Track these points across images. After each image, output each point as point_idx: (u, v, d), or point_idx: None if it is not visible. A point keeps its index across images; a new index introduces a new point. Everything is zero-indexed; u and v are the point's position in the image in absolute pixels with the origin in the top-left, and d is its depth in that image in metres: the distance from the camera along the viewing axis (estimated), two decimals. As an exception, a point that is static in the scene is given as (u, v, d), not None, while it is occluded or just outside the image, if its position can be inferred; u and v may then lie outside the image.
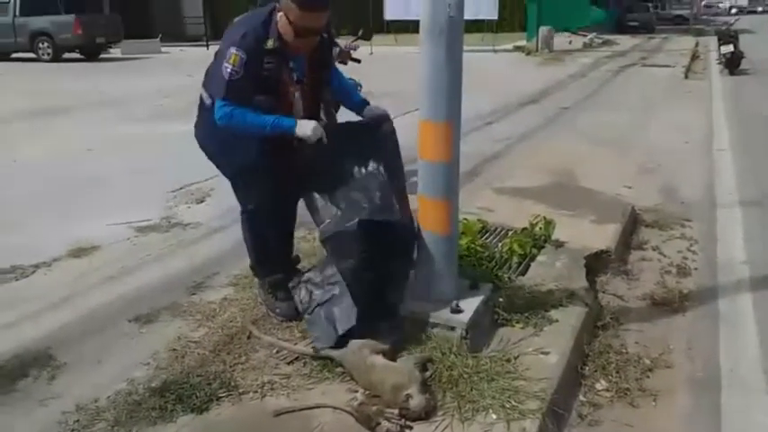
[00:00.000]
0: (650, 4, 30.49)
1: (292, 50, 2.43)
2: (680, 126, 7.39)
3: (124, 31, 18.56)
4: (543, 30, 17.43)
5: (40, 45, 16.87)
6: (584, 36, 20.64)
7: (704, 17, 39.17)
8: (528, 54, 17.09)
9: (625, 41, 21.32)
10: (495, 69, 13.67)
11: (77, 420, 2.09)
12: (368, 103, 2.72)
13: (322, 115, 4.39)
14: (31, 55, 16.87)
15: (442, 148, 2.36)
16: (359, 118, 2.70)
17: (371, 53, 14.96)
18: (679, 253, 3.78)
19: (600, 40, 20.48)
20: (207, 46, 18.87)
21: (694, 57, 16.29)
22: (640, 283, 3.42)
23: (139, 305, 2.91)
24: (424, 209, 2.50)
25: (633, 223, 4.21)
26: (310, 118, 2.52)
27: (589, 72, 13.13)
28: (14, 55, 17.24)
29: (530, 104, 9.11)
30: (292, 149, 2.54)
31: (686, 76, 12.52)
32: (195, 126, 2.68)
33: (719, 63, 13.27)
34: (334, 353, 2.35)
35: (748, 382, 2.51)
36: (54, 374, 2.38)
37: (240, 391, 2.22)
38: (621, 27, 26.62)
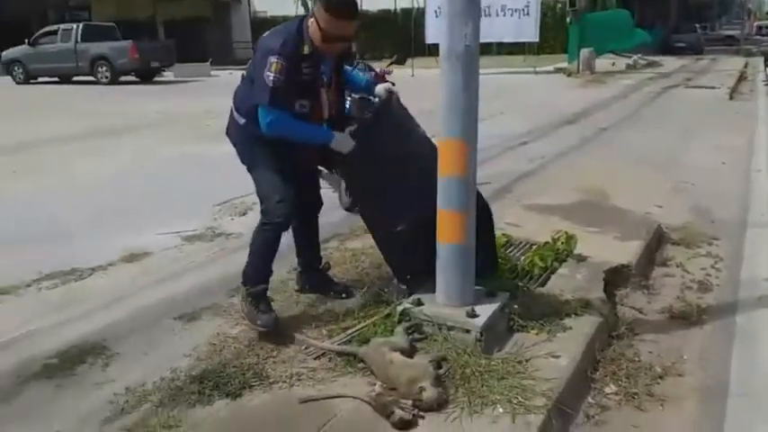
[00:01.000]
0: (698, 25, 30.03)
1: (322, 54, 2.65)
2: (719, 147, 7.35)
3: (177, 55, 19.50)
4: (584, 51, 17.45)
5: (99, 69, 17.90)
6: (629, 57, 20.53)
7: (756, 37, 38.22)
8: (569, 76, 17.13)
9: (670, 63, 21.10)
10: (534, 91, 13.78)
11: (127, 401, 2.34)
12: (374, 83, 3.05)
13: (353, 110, 4.81)
14: (91, 78, 17.90)
15: (458, 164, 2.56)
16: None
17: (413, 75, 15.32)
18: (702, 270, 3.85)
19: (644, 62, 20.34)
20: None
21: (741, 78, 16.02)
22: (660, 297, 3.50)
23: (184, 305, 3.18)
24: (442, 221, 2.69)
25: (659, 240, 4.29)
26: (338, 114, 2.84)
27: (630, 93, 13.10)
28: (75, 78, 18.33)
29: (567, 125, 9.19)
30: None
31: (731, 98, 12.36)
32: (232, 138, 2.95)
33: (766, 84, 13.04)
34: (357, 349, 2.55)
35: (757, 392, 2.58)
36: (107, 362, 2.65)
37: (270, 380, 2.45)
38: (668, 48, 26.33)
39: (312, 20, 2.58)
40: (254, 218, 4.84)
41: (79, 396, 2.43)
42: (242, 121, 2.80)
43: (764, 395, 2.56)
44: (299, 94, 2.63)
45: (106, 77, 17.78)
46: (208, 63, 21.55)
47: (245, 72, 2.82)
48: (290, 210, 2.77)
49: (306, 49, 2.59)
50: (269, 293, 2.92)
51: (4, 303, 3.33)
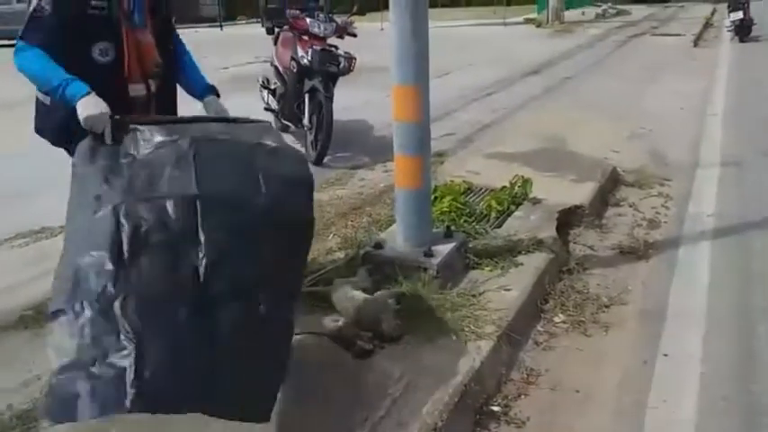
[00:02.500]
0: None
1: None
2: (678, 93, 7.55)
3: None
4: (553, 1, 17.40)
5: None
6: (598, 7, 20.54)
7: (725, -16, 38.23)
8: (538, 26, 17.11)
9: (639, 11, 21.17)
10: (502, 42, 13.77)
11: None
12: (215, 92, 2.37)
13: (315, 62, 4.56)
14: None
15: (412, 110, 2.67)
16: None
17: (382, 29, 15.17)
18: (653, 209, 4.06)
19: (614, 11, 20.36)
20: (221, 26, 19.18)
21: (707, 25, 16.18)
22: (612, 235, 3.71)
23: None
24: (398, 165, 2.82)
25: (613, 183, 4.48)
26: (164, 76, 2.25)
27: (596, 43, 13.20)
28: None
29: (532, 75, 9.29)
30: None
31: (695, 45, 12.55)
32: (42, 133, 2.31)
33: (729, 31, 13.22)
34: (322, 289, 2.70)
35: (691, 315, 2.80)
36: (82, 312, 2.76)
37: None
38: (637, -4, 26.28)
39: None
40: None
41: (56, 343, 2.54)
42: (48, 99, 2.15)
43: (699, 316, 2.78)
44: (94, 35, 2.05)
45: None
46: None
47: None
48: None
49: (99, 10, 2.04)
50: None
51: (-23, 262, 3.40)
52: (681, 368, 2.45)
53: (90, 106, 1.97)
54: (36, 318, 2.73)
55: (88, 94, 1.99)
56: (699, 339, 2.62)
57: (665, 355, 2.53)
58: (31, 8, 2.00)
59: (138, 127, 1.99)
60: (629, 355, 2.56)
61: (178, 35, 2.45)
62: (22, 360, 2.43)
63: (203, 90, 2.40)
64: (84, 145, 1.97)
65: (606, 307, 2.90)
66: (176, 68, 2.38)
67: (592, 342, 2.65)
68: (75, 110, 1.99)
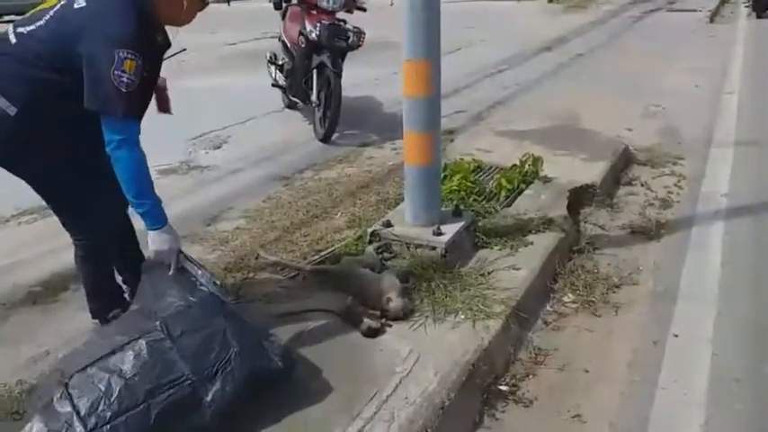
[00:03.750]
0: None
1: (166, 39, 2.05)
2: (694, 70, 7.39)
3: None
4: (567, -24, 17.03)
5: None
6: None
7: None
8: (550, 2, 16.77)
9: (654, -14, 20.70)
10: (515, 18, 13.54)
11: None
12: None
13: (324, 38, 4.49)
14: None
15: (422, 85, 2.62)
16: None
17: (392, 4, 14.94)
18: (665, 188, 3.99)
19: (628, -14, 19.94)
20: (228, 2, 18.98)
21: (724, 0, 15.81)
22: (623, 214, 3.66)
23: (162, 234, 3.27)
24: (408, 142, 2.77)
25: (626, 161, 4.41)
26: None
27: (610, 19, 12.94)
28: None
29: (544, 52, 9.13)
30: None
31: (711, 21, 12.26)
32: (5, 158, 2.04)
33: (747, 6, 12.92)
34: (329, 267, 2.69)
35: (703, 296, 2.77)
36: (90, 288, 2.76)
37: (248, 299, 2.58)
38: (653, -29, 25.75)
39: None
40: (229, 150, 4.91)
41: (64, 319, 2.55)
42: (13, 110, 1.92)
43: (710, 297, 2.75)
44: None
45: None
46: None
47: (17, 32, 1.97)
48: (103, 222, 2.21)
49: (160, 39, 2.02)
50: None
51: (-14, 238, 3.41)
52: (692, 349, 2.42)
53: (163, 242, 1.98)
54: (44, 293, 2.75)
55: (165, 225, 2.00)
56: (710, 320, 2.59)
57: (676, 335, 2.50)
58: (122, 86, 1.83)
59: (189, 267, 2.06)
60: (640, 335, 2.54)
61: None
62: (31, 335, 2.45)
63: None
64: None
65: (617, 287, 2.86)
66: None
67: (602, 322, 2.62)
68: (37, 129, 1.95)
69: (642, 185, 4.06)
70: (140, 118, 1.97)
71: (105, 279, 2.35)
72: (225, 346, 1.84)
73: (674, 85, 6.71)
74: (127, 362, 1.77)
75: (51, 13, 1.96)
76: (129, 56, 1.84)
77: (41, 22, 1.96)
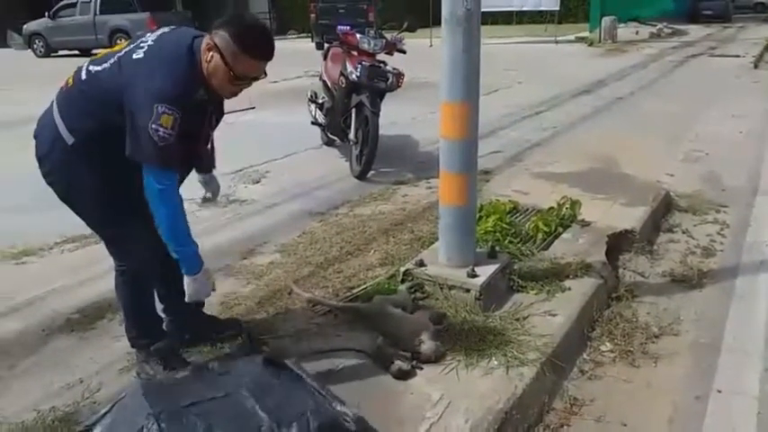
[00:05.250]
0: (727, -8, 29.14)
1: (215, 95, 2.12)
2: (738, 116, 7.25)
3: (194, 26, 19.56)
4: (606, 20, 17.12)
5: (118, 41, 18.02)
6: (653, 26, 20.08)
7: (788, 4, 36.88)
8: (590, 45, 16.83)
9: (696, 31, 20.57)
10: (553, 60, 13.60)
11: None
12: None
13: (364, 77, 4.68)
14: (111, 51, 18.02)
15: (460, 127, 2.63)
16: None
17: (431, 45, 15.19)
18: (708, 236, 3.88)
19: (669, 30, 19.86)
20: (272, 40, 19.62)
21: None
22: (663, 261, 3.56)
23: (198, 266, 3.32)
24: (443, 182, 2.77)
25: (666, 207, 4.31)
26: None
27: (651, 63, 12.87)
28: (95, 50, 18.49)
29: (583, 95, 9.11)
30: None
31: (756, 66, 12.08)
32: (46, 175, 2.15)
33: (792, 52, 12.71)
34: (361, 306, 2.67)
35: (748, 349, 2.65)
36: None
37: (279, 334, 2.58)
38: (695, 16, 25.62)
39: (212, 54, 1.99)
40: (267, 185, 5.00)
41: (99, 348, 2.59)
42: (70, 140, 2.05)
43: (755, 351, 2.63)
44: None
45: (126, 49, 17.93)
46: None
47: (88, 70, 2.08)
48: (147, 250, 2.21)
49: (201, 94, 2.03)
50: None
51: (31, 264, 3.51)
52: (736, 406, 2.31)
53: (197, 290, 2.10)
54: (82, 321, 2.80)
55: (199, 273, 2.09)
56: (756, 376, 2.47)
57: (719, 391, 2.39)
58: (159, 140, 1.89)
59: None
60: (681, 389, 2.43)
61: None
62: (67, 363, 2.49)
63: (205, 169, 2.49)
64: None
65: (656, 337, 2.77)
66: None
67: (640, 373, 2.53)
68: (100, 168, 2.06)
69: (683, 233, 3.96)
70: (182, 167, 2.05)
71: (144, 307, 2.37)
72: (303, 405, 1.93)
73: (717, 130, 6.59)
74: (215, 413, 1.85)
75: (114, 58, 2.06)
76: (167, 111, 1.89)
77: (107, 65, 2.06)
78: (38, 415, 2.13)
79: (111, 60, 2.06)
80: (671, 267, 3.44)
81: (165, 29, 2.16)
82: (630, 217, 3.89)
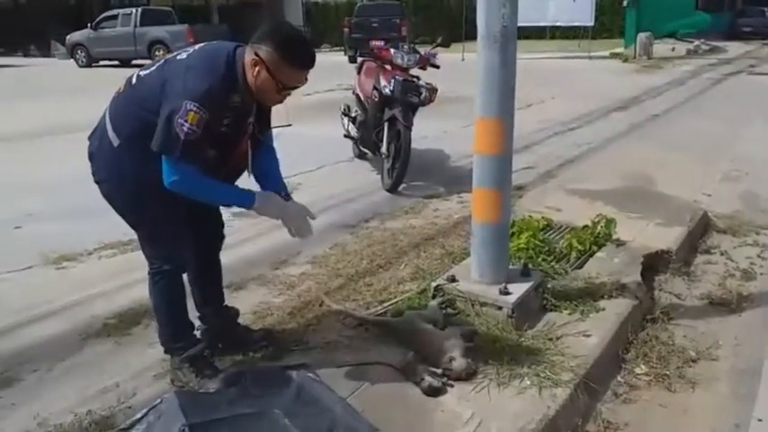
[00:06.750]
0: (767, 8, 28.53)
1: (253, 103, 2.17)
2: (778, 136, 7.10)
3: (230, 39, 19.92)
4: (642, 36, 16.92)
5: (157, 52, 18.47)
6: (690, 43, 19.76)
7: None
8: (624, 61, 16.65)
9: (735, 48, 20.20)
10: (587, 76, 13.49)
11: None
12: (287, 195, 2.30)
13: (397, 91, 4.66)
14: (149, 61, 18.44)
15: (494, 143, 2.62)
16: None
17: (463, 59, 15.21)
18: (747, 258, 3.78)
19: (707, 47, 19.54)
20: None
21: (811, 64, 15.22)
22: (701, 284, 3.48)
23: (231, 275, 3.32)
24: (477, 198, 2.76)
25: (704, 228, 4.22)
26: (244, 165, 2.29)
27: (688, 80, 12.67)
28: (134, 61, 18.96)
29: (618, 111, 9.01)
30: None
31: (797, 85, 11.81)
32: (94, 173, 2.26)
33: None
34: (391, 320, 2.67)
35: (792, 377, 2.57)
36: (160, 324, 2.85)
37: (309, 346, 2.59)
38: (733, 33, 25.16)
39: (252, 63, 2.05)
40: (299, 197, 4.98)
41: (135, 353, 2.63)
42: (116, 142, 2.15)
43: (798, 380, 2.54)
44: (210, 144, 2.09)
45: (163, 61, 18.37)
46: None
47: (138, 75, 2.20)
48: (182, 252, 2.31)
49: (236, 100, 2.08)
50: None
51: (70, 269, 3.60)
52: (778, 436, 2.23)
53: (263, 210, 2.20)
54: (118, 326, 2.86)
55: (254, 203, 2.16)
56: (800, 406, 2.39)
57: (760, 420, 2.31)
58: (181, 133, 1.96)
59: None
60: (719, 416, 2.37)
61: (271, 139, 2.45)
62: (103, 368, 2.53)
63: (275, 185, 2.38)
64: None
65: (693, 361, 2.70)
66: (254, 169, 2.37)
67: (677, 398, 2.47)
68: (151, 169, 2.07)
69: (722, 254, 3.86)
70: (203, 165, 2.07)
71: (176, 311, 2.38)
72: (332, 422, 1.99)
73: (757, 149, 6.44)
74: (247, 428, 1.91)
75: (162, 61, 2.18)
76: (195, 108, 1.96)
77: (153, 68, 2.18)
78: (75, 418, 2.18)
79: (158, 64, 2.18)
80: (709, 290, 3.36)
81: (212, 42, 2.25)
82: (667, 237, 3.82)
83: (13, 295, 3.22)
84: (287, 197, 2.31)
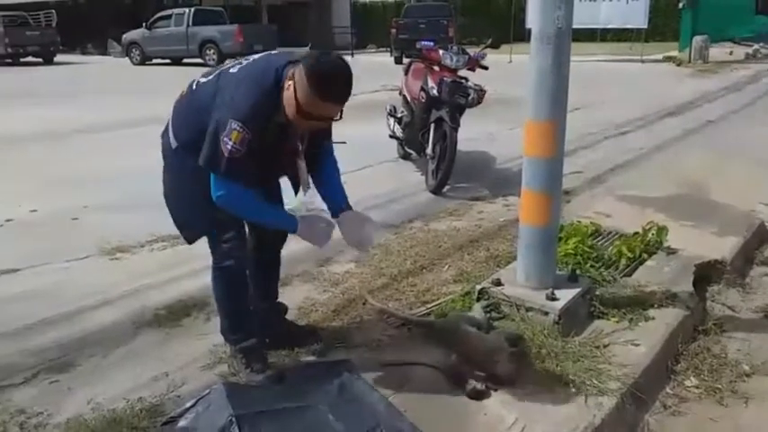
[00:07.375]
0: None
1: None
2: (843, 144, 6.77)
3: (279, 39, 20.27)
4: (697, 39, 16.36)
5: (208, 51, 18.92)
6: (749, 47, 19.03)
7: None
8: (678, 65, 16.14)
9: (797, 52, 19.34)
10: (639, 80, 13.16)
11: (225, 351, 2.57)
12: (347, 206, 2.40)
13: (444, 93, 4.61)
14: (200, 60, 18.94)
15: (545, 146, 2.59)
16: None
17: (510, 61, 15.04)
18: (807, 272, 3.63)
19: (766, 51, 18.78)
20: (352, 54, 20.02)
21: None
22: (757, 297, 3.35)
23: (277, 272, 3.42)
24: (526, 202, 2.73)
25: (761, 239, 4.07)
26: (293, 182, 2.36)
27: (746, 85, 12.20)
28: (185, 60, 19.45)
29: (671, 116, 8.75)
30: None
31: None
32: (164, 181, 2.39)
33: None
34: (435, 321, 2.67)
35: None
36: (209, 317, 2.91)
37: (353, 344, 2.61)
38: (795, 37, 24.13)
39: (290, 83, 2.01)
40: (349, 196, 5.05)
41: (184, 344, 2.71)
42: (174, 144, 2.26)
43: None
44: (256, 160, 2.10)
45: (213, 59, 18.75)
46: (308, 47, 22.20)
47: (198, 81, 2.26)
48: (242, 247, 2.35)
49: (278, 119, 2.08)
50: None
51: (123, 260, 3.72)
52: (839, 459, 2.14)
53: (306, 236, 2.30)
54: (168, 317, 2.94)
55: (297, 229, 2.25)
56: None
57: (818, 439, 2.22)
58: (226, 151, 2.01)
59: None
60: (774, 434, 2.28)
61: (330, 150, 2.46)
62: (154, 356, 2.61)
63: (336, 210, 2.43)
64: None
65: (747, 376, 2.60)
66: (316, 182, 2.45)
67: (729, 413, 2.38)
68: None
69: (779, 267, 3.72)
70: (250, 182, 2.11)
71: (235, 304, 2.42)
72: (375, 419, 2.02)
73: (820, 159, 6.15)
74: (292, 422, 1.96)
75: (218, 71, 2.24)
76: (239, 128, 2.00)
77: (211, 77, 2.23)
78: (127, 404, 2.25)
79: (216, 73, 2.23)
80: (765, 303, 3.23)
81: (273, 52, 2.30)
82: (721, 247, 3.69)
83: (72, 284, 3.35)
84: (347, 207, 2.38)
